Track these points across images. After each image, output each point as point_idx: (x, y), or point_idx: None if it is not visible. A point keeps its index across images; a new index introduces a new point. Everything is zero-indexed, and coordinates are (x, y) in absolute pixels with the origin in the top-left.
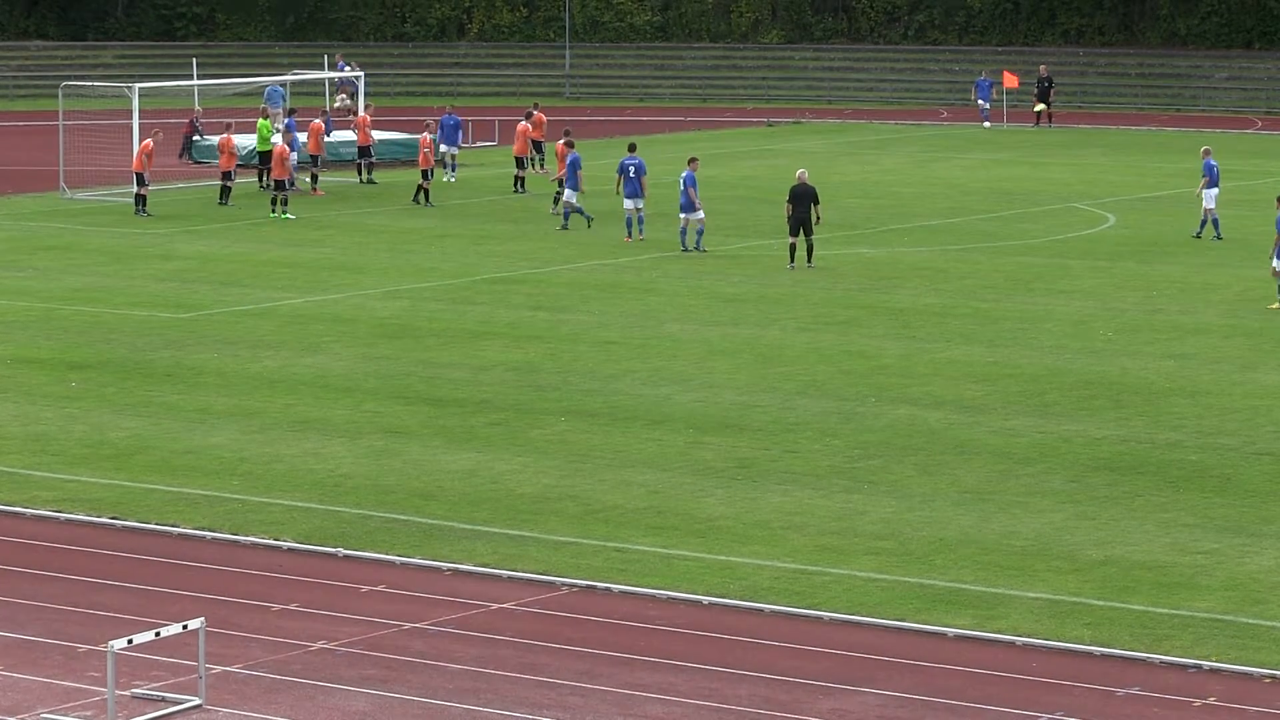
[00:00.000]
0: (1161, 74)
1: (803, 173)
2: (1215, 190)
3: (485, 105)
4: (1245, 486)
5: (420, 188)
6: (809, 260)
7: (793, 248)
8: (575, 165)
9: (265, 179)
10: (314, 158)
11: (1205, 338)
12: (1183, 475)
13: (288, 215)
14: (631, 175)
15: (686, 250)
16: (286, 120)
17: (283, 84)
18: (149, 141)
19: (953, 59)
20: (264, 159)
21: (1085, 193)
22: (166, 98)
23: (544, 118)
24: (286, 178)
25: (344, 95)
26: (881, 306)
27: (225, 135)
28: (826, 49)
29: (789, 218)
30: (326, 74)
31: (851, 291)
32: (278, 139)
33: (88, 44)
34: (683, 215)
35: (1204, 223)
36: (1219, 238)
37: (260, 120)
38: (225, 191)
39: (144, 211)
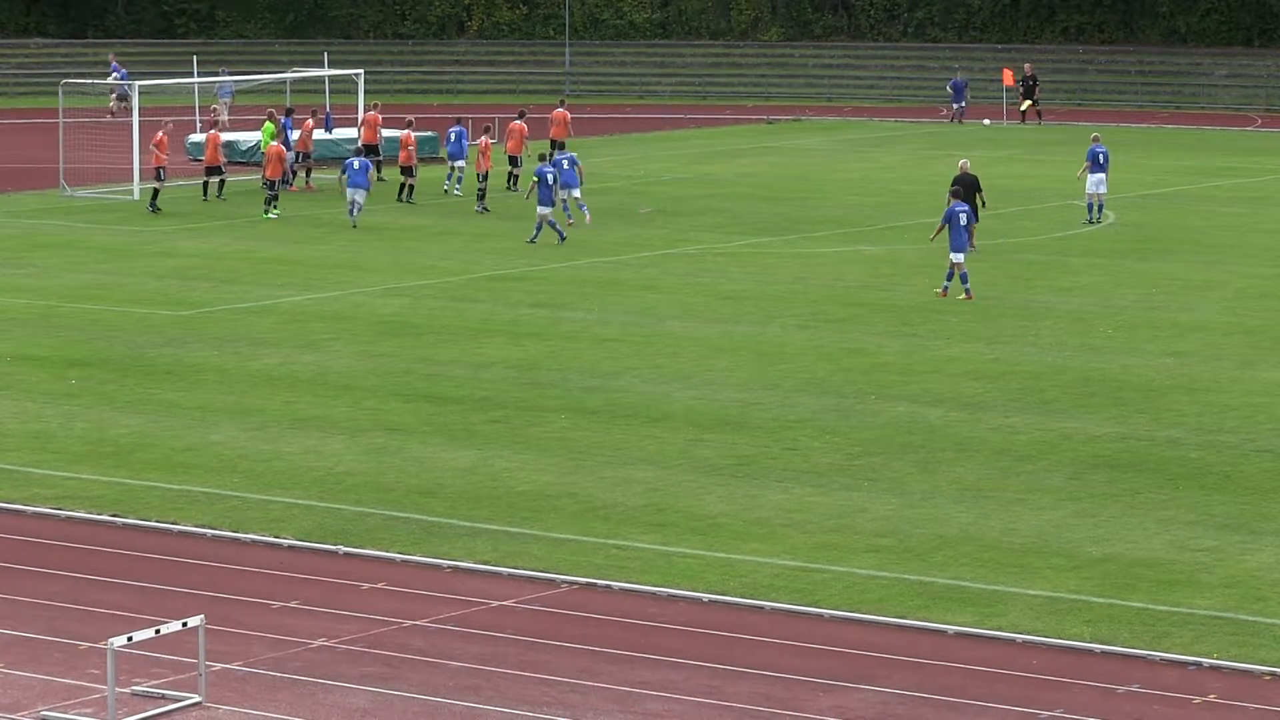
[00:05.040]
0: (1161, 71)
1: (965, 162)
2: (1101, 175)
3: (485, 103)
4: (1245, 483)
5: (405, 184)
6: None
7: None
8: (364, 169)
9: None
10: (299, 154)
11: (1205, 335)
12: (1182, 472)
13: (273, 214)
14: (566, 167)
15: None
16: (283, 119)
17: (234, 82)
18: (161, 134)
19: (952, 56)
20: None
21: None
22: (167, 95)
23: (568, 115)
24: (278, 177)
25: (115, 96)
26: (881, 304)
27: (211, 131)
28: (826, 46)
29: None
30: (326, 71)
31: (851, 289)
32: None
33: (88, 41)
34: (565, 191)
35: (1100, 208)
36: (1090, 221)
37: (266, 121)
38: (215, 187)
39: (154, 207)
